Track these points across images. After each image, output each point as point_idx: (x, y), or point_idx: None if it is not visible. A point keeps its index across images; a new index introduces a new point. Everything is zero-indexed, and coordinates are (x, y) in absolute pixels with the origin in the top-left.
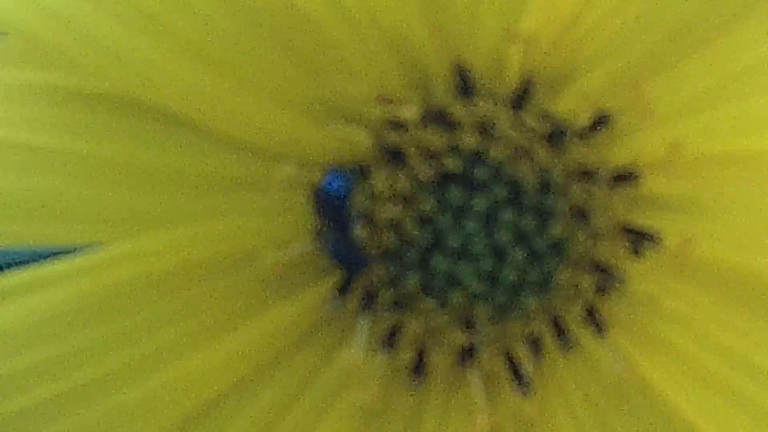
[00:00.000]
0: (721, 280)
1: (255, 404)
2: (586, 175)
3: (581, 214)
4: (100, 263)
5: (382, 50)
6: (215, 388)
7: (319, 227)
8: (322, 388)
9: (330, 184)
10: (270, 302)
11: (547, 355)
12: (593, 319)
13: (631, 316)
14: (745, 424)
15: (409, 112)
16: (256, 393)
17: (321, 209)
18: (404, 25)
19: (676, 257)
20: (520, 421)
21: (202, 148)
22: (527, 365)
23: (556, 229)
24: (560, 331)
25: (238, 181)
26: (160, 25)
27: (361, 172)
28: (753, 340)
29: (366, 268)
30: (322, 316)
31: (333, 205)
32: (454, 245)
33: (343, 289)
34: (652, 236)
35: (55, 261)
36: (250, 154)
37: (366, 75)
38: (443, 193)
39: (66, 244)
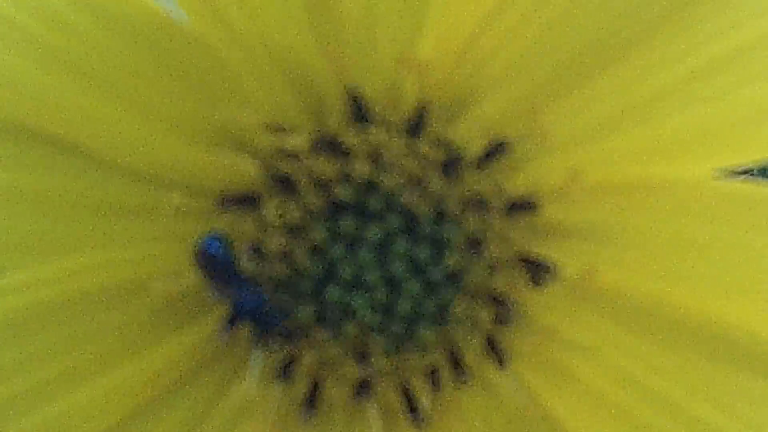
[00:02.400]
0: (624, 308)
1: None
2: (482, 204)
3: (476, 245)
4: None
5: (274, 75)
6: (106, 422)
7: (216, 293)
8: (217, 421)
9: (209, 247)
10: (161, 333)
11: (446, 387)
12: (494, 350)
13: (533, 347)
14: None
15: (299, 141)
16: (149, 428)
17: (211, 275)
18: (297, 50)
19: (577, 286)
20: None
21: (92, 175)
22: (424, 398)
23: (451, 260)
24: (456, 363)
25: (131, 208)
26: (43, 47)
27: (251, 201)
28: (656, 369)
29: (283, 320)
30: (215, 347)
31: (220, 267)
32: (347, 276)
33: (234, 320)
34: (548, 267)
35: None
36: (142, 182)
37: (257, 100)
38: (335, 223)
39: None
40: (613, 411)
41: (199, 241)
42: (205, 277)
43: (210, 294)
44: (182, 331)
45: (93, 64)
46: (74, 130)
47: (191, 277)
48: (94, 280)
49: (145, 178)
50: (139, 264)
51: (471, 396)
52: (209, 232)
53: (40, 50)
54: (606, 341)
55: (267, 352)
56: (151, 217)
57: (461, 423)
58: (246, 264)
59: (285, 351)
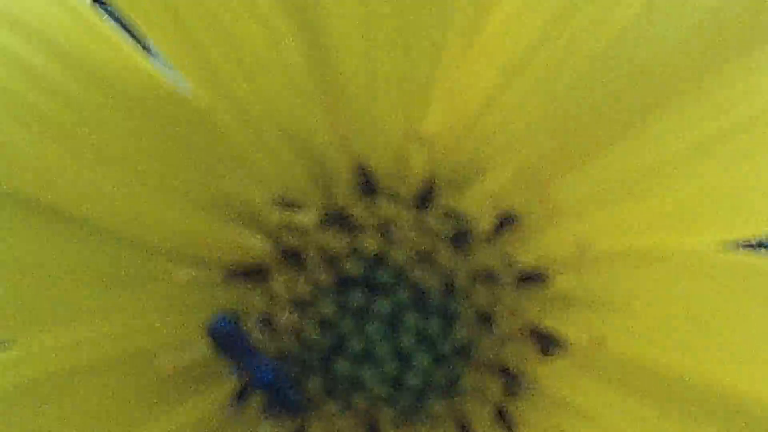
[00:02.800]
0: (634, 377)
1: None
2: (492, 277)
3: (486, 319)
4: None
5: (281, 148)
6: None
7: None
8: None
9: (221, 324)
10: (166, 406)
11: None
12: (503, 420)
13: (543, 417)
14: None
15: (307, 218)
16: None
17: (226, 352)
18: (304, 124)
19: (586, 355)
20: None
21: (94, 245)
22: None
23: (461, 333)
24: None
25: (133, 279)
26: (41, 117)
27: (260, 274)
28: None
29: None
30: (222, 420)
31: (234, 343)
32: (357, 349)
33: (243, 394)
34: (558, 340)
35: None
36: (145, 253)
37: (265, 174)
38: (344, 297)
39: None
40: None
41: (211, 319)
42: (220, 354)
43: (227, 369)
44: (188, 404)
45: (93, 134)
46: (74, 201)
47: (198, 349)
48: (96, 351)
49: (152, 249)
50: (144, 335)
51: None
52: (220, 310)
53: (37, 119)
54: (615, 410)
55: (276, 425)
56: (157, 288)
57: None
58: (256, 336)
59: (294, 424)
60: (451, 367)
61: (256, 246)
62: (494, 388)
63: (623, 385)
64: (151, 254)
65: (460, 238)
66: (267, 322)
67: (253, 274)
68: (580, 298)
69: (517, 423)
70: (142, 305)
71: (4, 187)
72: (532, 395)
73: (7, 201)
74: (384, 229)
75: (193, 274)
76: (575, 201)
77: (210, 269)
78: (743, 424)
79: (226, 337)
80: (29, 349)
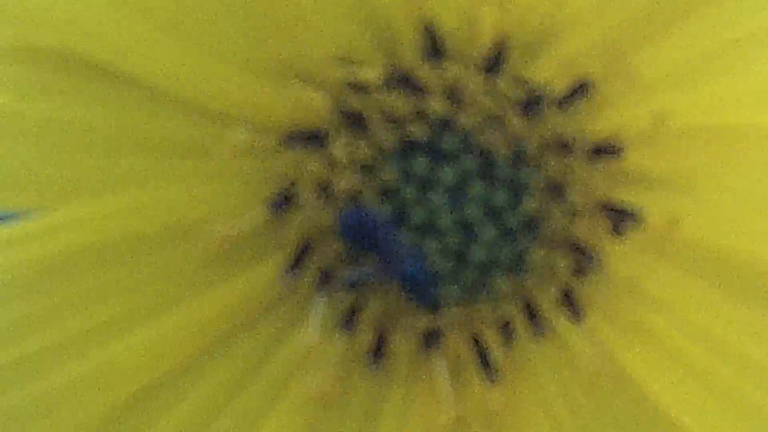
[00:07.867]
0: (708, 264)
1: (202, 386)
2: (564, 146)
3: (557, 189)
4: (42, 230)
5: (344, 5)
6: (161, 367)
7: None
8: (274, 371)
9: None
10: (219, 277)
11: (519, 340)
12: (569, 302)
13: (610, 301)
14: (729, 417)
15: (372, 74)
16: (204, 374)
17: (362, 244)
18: None
19: (660, 238)
20: (487, 411)
21: (149, 109)
22: (496, 351)
23: (530, 205)
24: (533, 315)
25: (188, 145)
26: None
27: (318, 138)
28: (740, 329)
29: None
30: (274, 294)
31: (370, 235)
32: (419, 220)
33: (296, 265)
34: (633, 214)
35: None
36: (201, 117)
37: (327, 33)
38: (408, 163)
39: (3, 210)
40: (692, 371)
41: (342, 214)
42: (355, 246)
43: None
44: (240, 276)
45: None
46: (132, 62)
47: (251, 219)
48: (146, 220)
49: (207, 113)
50: (195, 204)
51: (543, 351)
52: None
53: None
54: (687, 297)
55: (330, 300)
56: (211, 155)
57: (532, 380)
58: (314, 203)
59: (349, 299)
60: (518, 241)
61: (316, 103)
62: (563, 266)
63: (697, 272)
64: (205, 119)
65: (532, 105)
66: (324, 189)
67: (311, 140)
68: (654, 176)
69: (584, 306)
70: (192, 173)
71: (60, 44)
72: (601, 277)
73: (60, 61)
74: (451, 93)
75: (248, 136)
76: (654, 72)
77: (266, 135)
78: None
79: (360, 228)
80: (64, 218)
